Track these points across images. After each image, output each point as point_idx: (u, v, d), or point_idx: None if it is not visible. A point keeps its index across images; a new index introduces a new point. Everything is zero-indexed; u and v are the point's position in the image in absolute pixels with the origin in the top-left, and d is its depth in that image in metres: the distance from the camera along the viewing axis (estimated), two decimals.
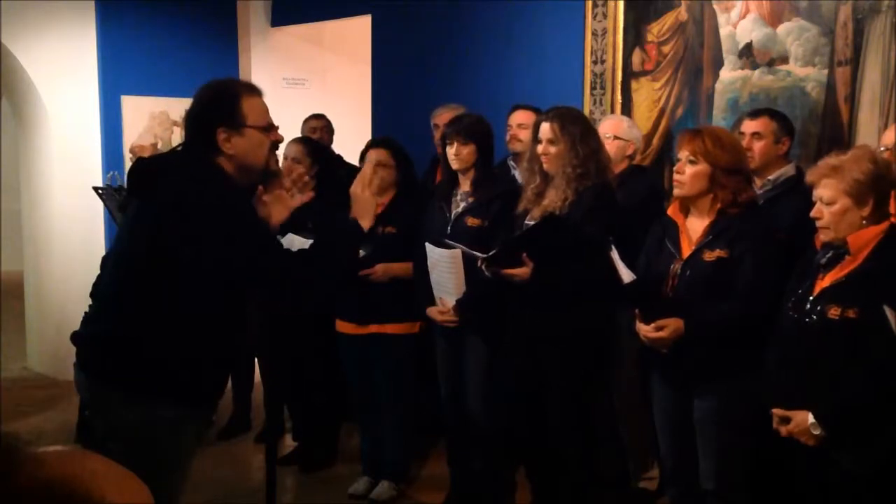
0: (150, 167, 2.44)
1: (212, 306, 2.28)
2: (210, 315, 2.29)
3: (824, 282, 2.58)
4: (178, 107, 5.93)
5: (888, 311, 2.38)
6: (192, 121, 2.38)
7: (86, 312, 2.61)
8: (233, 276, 2.24)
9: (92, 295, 3.43)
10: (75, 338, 2.42)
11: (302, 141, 4.52)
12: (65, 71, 5.91)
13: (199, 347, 2.31)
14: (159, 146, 6.10)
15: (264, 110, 2.38)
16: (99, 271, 3.99)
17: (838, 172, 2.54)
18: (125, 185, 5.17)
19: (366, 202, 2.51)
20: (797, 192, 3.35)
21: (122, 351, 2.28)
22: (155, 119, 6.20)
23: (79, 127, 6.00)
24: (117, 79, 6.06)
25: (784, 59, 4.08)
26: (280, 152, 4.61)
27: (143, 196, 2.37)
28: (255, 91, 2.39)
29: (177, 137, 6.18)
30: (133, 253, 2.32)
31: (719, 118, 4.28)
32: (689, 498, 3.10)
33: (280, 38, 6.78)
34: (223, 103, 2.33)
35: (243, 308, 2.49)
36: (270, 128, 2.38)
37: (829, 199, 2.55)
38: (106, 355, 2.31)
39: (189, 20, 6.32)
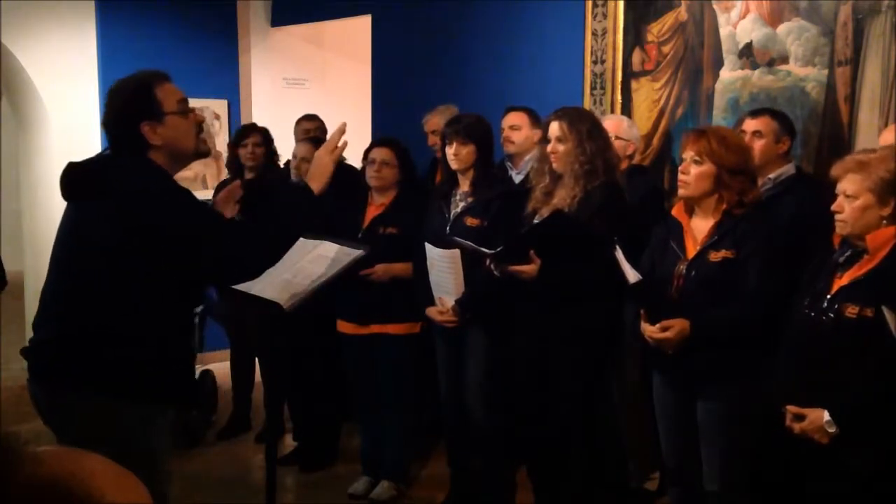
0: (85, 171, 2.43)
1: (167, 299, 2.28)
2: (166, 309, 2.29)
3: (842, 280, 2.57)
4: None
5: (887, 313, 2.37)
6: (113, 123, 2.38)
7: (34, 320, 2.57)
8: (195, 260, 2.25)
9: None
10: (26, 352, 2.39)
11: (312, 141, 4.54)
12: (65, 71, 5.90)
13: (154, 343, 2.29)
14: None
15: (177, 93, 2.39)
16: None
17: (864, 169, 2.54)
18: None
19: (323, 165, 2.52)
20: (797, 191, 3.37)
21: (78, 351, 2.27)
22: None
23: (79, 127, 5.99)
24: (117, 79, 6.05)
25: (784, 59, 4.08)
26: (288, 151, 4.64)
27: (81, 199, 2.36)
28: (163, 77, 2.40)
29: None
30: (81, 254, 2.31)
31: (719, 118, 4.28)
32: (690, 499, 3.10)
33: (280, 38, 6.78)
34: (139, 98, 2.34)
35: (195, 303, 2.49)
36: (188, 108, 2.38)
37: (852, 193, 2.54)
38: (63, 358, 2.30)
39: (189, 20, 6.31)
